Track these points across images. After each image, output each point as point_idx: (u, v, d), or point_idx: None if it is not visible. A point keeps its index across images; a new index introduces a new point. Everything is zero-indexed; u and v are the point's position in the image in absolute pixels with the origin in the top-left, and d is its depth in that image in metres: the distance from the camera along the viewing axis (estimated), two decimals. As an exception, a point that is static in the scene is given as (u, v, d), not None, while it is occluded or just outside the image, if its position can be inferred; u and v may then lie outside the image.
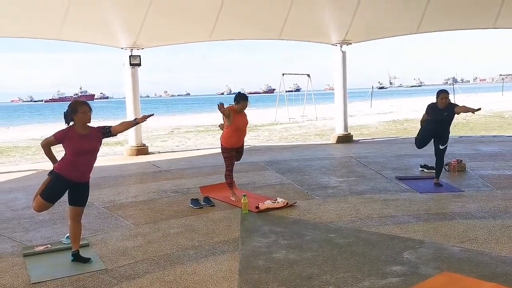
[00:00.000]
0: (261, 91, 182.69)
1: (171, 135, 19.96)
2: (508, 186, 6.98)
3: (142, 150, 11.99)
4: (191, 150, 13.26)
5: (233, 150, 6.58)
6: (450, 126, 7.00)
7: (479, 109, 6.59)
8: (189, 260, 4.43)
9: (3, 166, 11.36)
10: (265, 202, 6.18)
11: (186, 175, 8.74)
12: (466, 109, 6.64)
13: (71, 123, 4.29)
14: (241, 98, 6.47)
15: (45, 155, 4.40)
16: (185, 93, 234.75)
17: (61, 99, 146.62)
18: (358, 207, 6.09)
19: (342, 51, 12.75)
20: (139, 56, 11.69)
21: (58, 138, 4.24)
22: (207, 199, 6.53)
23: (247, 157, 6.90)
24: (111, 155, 12.43)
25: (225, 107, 6.28)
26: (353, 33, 12.13)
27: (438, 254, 4.35)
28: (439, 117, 6.80)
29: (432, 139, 7.07)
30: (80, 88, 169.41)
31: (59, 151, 4.36)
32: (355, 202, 6.38)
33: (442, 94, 6.83)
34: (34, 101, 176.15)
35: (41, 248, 4.83)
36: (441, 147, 7.00)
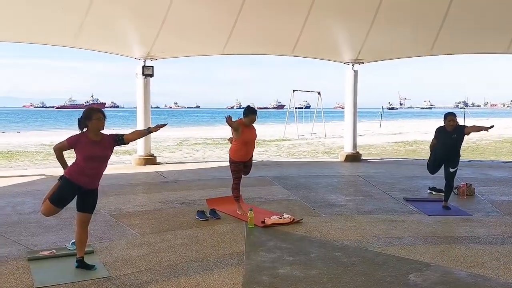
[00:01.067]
0: (271, 107, 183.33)
1: (179, 146, 20.04)
2: (517, 212, 6.89)
3: (150, 160, 12.04)
4: (199, 162, 13.28)
5: (241, 164, 6.58)
6: (460, 149, 6.97)
7: (492, 126, 6.59)
8: (193, 272, 4.41)
9: (12, 170, 11.45)
10: (271, 217, 6.15)
11: (193, 187, 8.75)
12: (478, 129, 6.62)
13: (84, 129, 4.33)
14: (250, 112, 6.49)
15: (57, 160, 4.43)
16: (195, 106, 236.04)
17: (73, 106, 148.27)
18: (364, 227, 6.05)
19: (354, 70, 12.79)
20: (152, 66, 11.81)
21: (70, 143, 4.28)
22: (213, 212, 6.52)
23: (254, 172, 6.89)
24: (119, 163, 12.49)
25: (233, 120, 6.30)
26: (366, 52, 12.17)
27: (444, 278, 4.30)
28: (448, 140, 6.78)
29: (443, 163, 7.03)
30: (92, 96, 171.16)
31: (68, 158, 4.40)
32: (362, 221, 6.34)
33: (450, 116, 6.84)
34: (45, 107, 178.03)
35: (46, 253, 4.84)
36: (451, 170, 6.96)
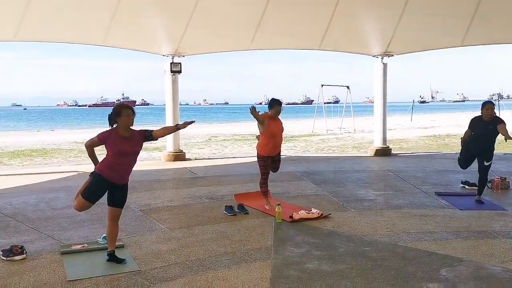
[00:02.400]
0: (300, 102, 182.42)
1: (208, 142, 20.18)
2: (555, 206, 6.65)
3: (179, 156, 12.16)
4: (227, 158, 13.34)
5: (269, 159, 6.56)
6: (495, 142, 6.75)
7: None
8: (221, 266, 4.44)
9: (46, 167, 11.78)
10: (299, 212, 6.12)
11: (221, 182, 8.79)
12: (505, 133, 6.27)
13: (114, 126, 4.41)
14: (275, 103, 6.48)
15: (88, 156, 4.53)
16: (223, 102, 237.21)
17: (104, 104, 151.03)
18: (394, 221, 5.95)
19: (383, 63, 12.58)
20: (180, 63, 11.90)
21: (101, 139, 4.36)
22: (241, 207, 6.53)
23: (282, 167, 6.87)
24: (149, 160, 12.67)
25: (257, 111, 6.27)
26: (395, 44, 11.94)
27: (477, 273, 4.19)
28: (484, 130, 6.56)
29: (476, 157, 6.83)
30: (123, 95, 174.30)
31: (100, 155, 4.49)
32: (392, 216, 6.23)
33: (488, 105, 6.60)
34: (78, 106, 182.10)
35: (78, 247, 4.96)
36: (485, 163, 6.75)
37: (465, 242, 5.12)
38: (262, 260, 4.58)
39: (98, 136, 4.40)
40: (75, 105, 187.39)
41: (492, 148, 6.73)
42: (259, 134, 6.66)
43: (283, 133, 6.72)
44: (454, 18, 10.92)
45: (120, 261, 4.49)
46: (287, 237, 5.34)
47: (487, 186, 7.48)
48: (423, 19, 11.04)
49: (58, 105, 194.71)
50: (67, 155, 15.38)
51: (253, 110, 6.26)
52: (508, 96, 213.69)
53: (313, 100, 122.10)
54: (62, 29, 10.47)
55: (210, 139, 22.11)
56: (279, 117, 6.60)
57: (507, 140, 6.30)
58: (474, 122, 6.77)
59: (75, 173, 10.18)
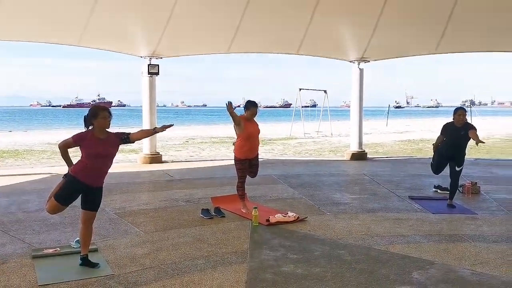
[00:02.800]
0: (278, 105, 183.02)
1: (185, 145, 20.08)
2: (523, 211, 6.85)
3: (156, 158, 12.07)
4: (204, 160, 13.31)
5: (246, 162, 6.57)
6: (466, 148, 6.93)
7: (484, 143, 6.51)
8: (197, 270, 4.42)
9: (18, 168, 11.54)
10: (275, 216, 6.15)
11: (198, 185, 8.76)
12: (475, 137, 6.46)
13: (90, 127, 4.35)
14: (251, 105, 6.51)
15: (62, 157, 4.45)
16: (201, 104, 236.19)
17: (79, 105, 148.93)
18: (369, 225, 6.03)
19: (359, 69, 12.76)
20: (158, 65, 11.84)
21: (76, 140, 4.30)
22: (218, 210, 6.52)
23: (259, 170, 6.89)
24: (124, 162, 12.53)
25: (233, 107, 6.27)
26: (371, 51, 12.13)
27: (448, 276, 4.28)
28: (455, 136, 6.73)
29: (448, 162, 6.99)
30: (98, 95, 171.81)
31: (73, 156, 4.42)
32: (367, 219, 6.32)
33: (460, 111, 6.80)
34: (52, 106, 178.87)
35: (50, 250, 4.87)
36: (457, 168, 6.91)
37: (436, 245, 5.23)
38: (238, 264, 4.59)
39: (73, 137, 4.33)
40: (49, 106, 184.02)
41: (463, 153, 6.91)
42: (235, 140, 6.66)
43: (259, 136, 6.74)
44: (428, 26, 11.15)
45: (94, 265, 4.43)
46: (263, 241, 5.36)
47: (459, 190, 7.65)
48: (398, 26, 11.25)
49: (31, 105, 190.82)
50: (40, 156, 15.09)
51: (229, 106, 6.22)
52: (480, 103, 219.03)
53: (291, 104, 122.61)
54: (36, 28, 10.30)
55: (187, 141, 22.01)
56: (255, 119, 6.63)
57: (478, 144, 6.48)
58: (446, 127, 6.94)
59: (48, 175, 10.00)
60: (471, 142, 6.67)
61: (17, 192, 8.04)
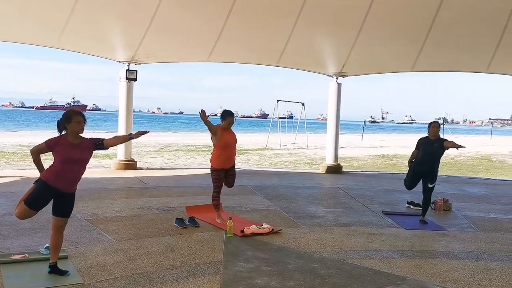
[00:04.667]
0: (255, 116, 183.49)
1: (161, 152, 19.90)
2: (492, 229, 7.00)
3: (130, 165, 11.91)
4: (180, 168, 13.19)
5: (222, 172, 6.54)
6: (439, 164, 7.08)
7: (464, 147, 6.92)
8: (169, 280, 4.36)
9: (-13, 170, 11.20)
10: (250, 227, 6.13)
11: (173, 194, 8.68)
12: (454, 145, 6.84)
13: (63, 132, 4.27)
14: (227, 114, 6.49)
15: (33, 163, 4.35)
16: (178, 111, 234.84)
17: (53, 107, 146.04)
18: (343, 239, 6.07)
19: (337, 83, 12.91)
20: (136, 71, 11.73)
21: (49, 145, 4.21)
22: (192, 220, 6.46)
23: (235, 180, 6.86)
24: (98, 167, 12.33)
25: (207, 115, 6.25)
26: (350, 66, 12.30)
27: (420, 292, 4.32)
28: (430, 149, 6.91)
29: (421, 178, 7.14)
30: (73, 98, 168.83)
31: (46, 160, 4.32)
32: (340, 233, 6.36)
33: (434, 123, 7.10)
34: (25, 107, 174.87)
35: (18, 256, 4.73)
36: (429, 185, 7.06)
37: (409, 261, 5.29)
38: (211, 275, 4.54)
39: (46, 142, 4.24)
40: (22, 107, 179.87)
41: (436, 170, 7.07)
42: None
43: (236, 145, 6.73)
44: (405, 44, 11.40)
45: (63, 273, 4.32)
46: (237, 252, 5.32)
47: (431, 207, 7.79)
48: (377, 43, 11.45)
49: (3, 105, 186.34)
50: (10, 158, 14.72)
51: (202, 114, 6.18)
52: (452, 120, 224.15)
53: (268, 114, 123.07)
54: (11, 29, 10.09)
55: (163, 148, 21.82)
56: (232, 129, 6.62)
57: (459, 148, 6.75)
58: (421, 142, 7.13)
59: (18, 178, 9.75)
60: (444, 159, 6.86)
61: (-15, 195, 7.80)
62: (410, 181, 7.32)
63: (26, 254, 4.81)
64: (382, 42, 11.42)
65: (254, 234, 5.98)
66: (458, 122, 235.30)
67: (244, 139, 28.47)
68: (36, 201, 4.25)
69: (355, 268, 4.93)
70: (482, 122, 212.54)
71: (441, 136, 7.32)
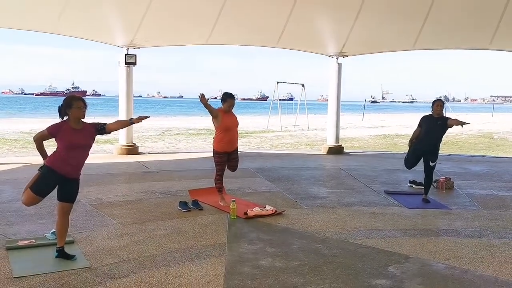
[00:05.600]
0: (255, 98, 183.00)
1: (162, 136, 19.91)
2: (494, 206, 7.04)
3: (132, 149, 11.93)
4: (181, 152, 13.21)
5: (225, 155, 6.55)
6: (441, 142, 7.08)
7: (468, 123, 6.89)
8: (175, 263, 4.40)
9: (-10, 158, 11.24)
10: (253, 209, 6.17)
11: (175, 177, 8.71)
12: (458, 122, 6.84)
13: (65, 118, 4.27)
14: (228, 96, 6.49)
15: (37, 150, 4.36)
16: (178, 95, 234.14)
17: (53, 94, 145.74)
18: (345, 219, 6.11)
19: (338, 63, 12.84)
20: (135, 55, 11.67)
21: (51, 131, 4.22)
22: (195, 203, 6.50)
23: (237, 163, 6.88)
24: (100, 152, 12.35)
25: (206, 98, 6.24)
26: (350, 45, 12.21)
27: (422, 270, 4.37)
28: (433, 126, 6.90)
29: (422, 157, 7.14)
30: (73, 84, 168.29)
31: (48, 146, 4.34)
32: (343, 213, 6.40)
33: (438, 101, 7.10)
34: (25, 94, 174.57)
35: (25, 242, 4.78)
36: (431, 163, 7.06)
37: (411, 239, 5.33)
38: (216, 257, 4.59)
39: (48, 128, 4.25)
40: (21, 93, 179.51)
41: (437, 148, 7.07)
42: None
43: (238, 128, 6.72)
44: (406, 22, 11.30)
45: (70, 257, 4.37)
46: (241, 234, 5.37)
47: (433, 185, 7.81)
48: (377, 22, 11.35)
49: (3, 92, 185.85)
50: (12, 145, 14.74)
51: (202, 98, 6.19)
52: (453, 99, 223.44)
53: (268, 97, 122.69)
54: (10, 15, 10.00)
55: (164, 132, 21.82)
56: (233, 111, 6.60)
57: (463, 125, 6.76)
58: (424, 119, 7.12)
59: (22, 164, 9.78)
60: (445, 138, 6.87)
61: (-11, 182, 7.83)
62: (410, 160, 7.32)
63: (33, 240, 4.86)
64: (382, 21, 11.32)
65: (257, 216, 6.02)
66: (459, 100, 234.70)
67: (244, 122, 28.45)
68: (42, 187, 4.28)
69: (359, 247, 4.98)
70: (483, 100, 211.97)
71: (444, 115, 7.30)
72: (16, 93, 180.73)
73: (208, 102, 6.23)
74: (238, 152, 6.81)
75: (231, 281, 4.00)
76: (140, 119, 4.63)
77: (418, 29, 11.17)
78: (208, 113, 6.37)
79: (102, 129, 4.43)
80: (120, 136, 12.05)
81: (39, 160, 4.41)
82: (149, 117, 4.78)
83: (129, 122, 4.73)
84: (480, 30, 11.36)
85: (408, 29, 11.48)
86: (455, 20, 11.04)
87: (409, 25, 11.33)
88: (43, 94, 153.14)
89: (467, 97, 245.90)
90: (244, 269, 4.28)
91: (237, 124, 6.64)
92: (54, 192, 4.36)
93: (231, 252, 4.72)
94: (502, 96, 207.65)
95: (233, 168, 6.74)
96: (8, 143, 15.47)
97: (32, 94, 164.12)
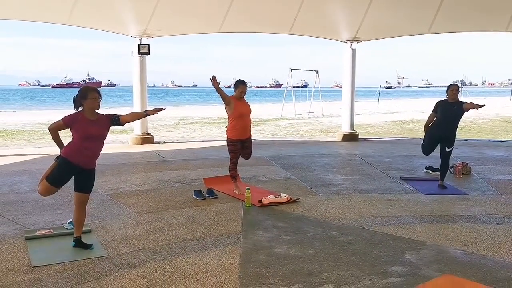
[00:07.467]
0: (269, 86, 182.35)
1: (176, 125, 19.98)
2: (513, 191, 6.93)
3: (147, 139, 12.00)
4: (196, 141, 13.26)
5: (238, 143, 6.54)
6: (457, 128, 6.98)
7: (483, 105, 6.82)
8: (190, 251, 4.43)
9: (8, 149, 11.41)
10: (268, 197, 6.17)
11: (190, 166, 8.75)
12: (473, 105, 6.78)
13: (80, 109, 4.30)
14: (240, 83, 6.47)
15: (52, 140, 4.40)
16: (192, 84, 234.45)
17: (69, 85, 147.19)
18: (361, 206, 6.07)
19: (352, 49, 12.69)
20: (148, 45, 11.67)
21: (66, 122, 4.24)
22: (210, 191, 6.53)
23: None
24: (116, 143, 12.45)
25: (218, 81, 6.22)
26: (364, 31, 12.05)
27: (440, 256, 4.33)
28: (448, 111, 6.80)
29: (439, 143, 7.04)
30: (88, 75, 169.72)
31: (64, 137, 4.37)
32: (359, 200, 6.36)
33: (453, 86, 6.99)
34: (41, 86, 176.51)
35: (43, 232, 4.85)
36: (447, 149, 6.97)
37: (428, 226, 5.28)
38: (231, 245, 4.61)
39: (63, 119, 4.28)
40: (38, 85, 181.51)
41: (454, 133, 6.97)
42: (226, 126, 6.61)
43: (251, 116, 6.70)
44: (421, 5, 11.08)
45: (87, 246, 4.43)
46: (256, 222, 5.38)
47: (450, 171, 7.72)
48: (391, 6, 11.17)
49: (20, 84, 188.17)
50: (30, 137, 14.94)
51: (213, 81, 6.16)
52: (470, 83, 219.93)
53: (282, 84, 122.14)
54: (24, 7, 10.07)
55: (178, 122, 21.89)
56: (246, 99, 6.58)
57: (479, 108, 6.73)
58: (440, 104, 7.01)
59: (39, 155, 9.91)
60: (462, 122, 6.77)
61: (8, 173, 7.96)
62: (427, 146, 7.23)
63: (51, 229, 4.93)
64: (397, 4, 11.12)
65: (272, 204, 6.02)
66: (476, 84, 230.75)
67: (258, 109, 28.40)
68: (58, 178, 4.32)
69: (375, 234, 4.95)
70: (501, 83, 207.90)
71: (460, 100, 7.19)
72: (32, 85, 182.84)
73: (219, 86, 6.21)
74: (252, 140, 6.80)
75: (247, 269, 4.02)
76: (155, 111, 4.61)
77: (434, 12, 10.96)
78: (221, 100, 6.36)
79: (116, 120, 4.43)
80: (135, 126, 12.12)
81: (56, 151, 4.45)
82: (164, 109, 4.76)
83: (144, 114, 4.72)
84: (497, 14, 11.09)
85: (424, 13, 11.26)
86: (471, 4, 10.79)
87: (424, 9, 11.11)
88: (59, 85, 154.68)
89: (485, 81, 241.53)
90: (259, 257, 4.29)
91: (249, 111, 6.62)
92: (71, 182, 4.40)
93: (246, 240, 4.74)
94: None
95: (247, 156, 6.73)
96: (26, 134, 15.68)
97: (49, 85, 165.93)
